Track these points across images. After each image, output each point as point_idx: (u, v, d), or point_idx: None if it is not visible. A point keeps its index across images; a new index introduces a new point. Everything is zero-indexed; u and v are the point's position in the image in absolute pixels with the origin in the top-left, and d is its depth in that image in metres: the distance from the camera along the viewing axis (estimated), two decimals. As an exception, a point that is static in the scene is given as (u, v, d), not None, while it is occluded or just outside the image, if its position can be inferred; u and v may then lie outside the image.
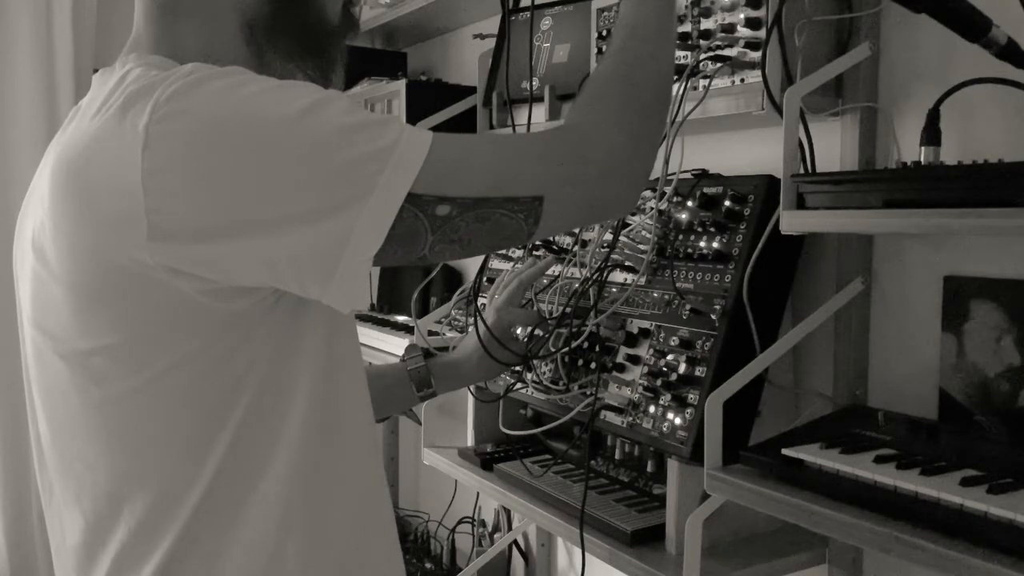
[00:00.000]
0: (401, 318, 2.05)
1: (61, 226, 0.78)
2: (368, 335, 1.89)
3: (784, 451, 1.03)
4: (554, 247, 1.48)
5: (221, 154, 0.72)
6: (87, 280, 0.78)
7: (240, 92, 0.74)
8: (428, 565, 2.22)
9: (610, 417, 1.29)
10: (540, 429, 1.44)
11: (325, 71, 0.92)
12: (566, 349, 1.34)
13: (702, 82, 1.22)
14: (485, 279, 1.56)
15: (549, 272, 1.45)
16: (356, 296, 0.77)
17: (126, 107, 0.74)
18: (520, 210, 0.81)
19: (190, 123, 0.72)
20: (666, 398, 1.22)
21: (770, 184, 1.21)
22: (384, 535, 0.95)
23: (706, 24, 1.22)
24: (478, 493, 2.09)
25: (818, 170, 1.19)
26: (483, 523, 2.15)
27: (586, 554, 1.27)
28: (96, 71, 0.88)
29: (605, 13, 1.42)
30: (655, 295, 1.31)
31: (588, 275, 1.34)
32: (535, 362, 1.39)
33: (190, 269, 0.74)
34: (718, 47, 1.20)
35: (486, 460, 1.56)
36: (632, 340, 1.31)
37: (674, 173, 1.27)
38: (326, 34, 0.92)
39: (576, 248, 1.41)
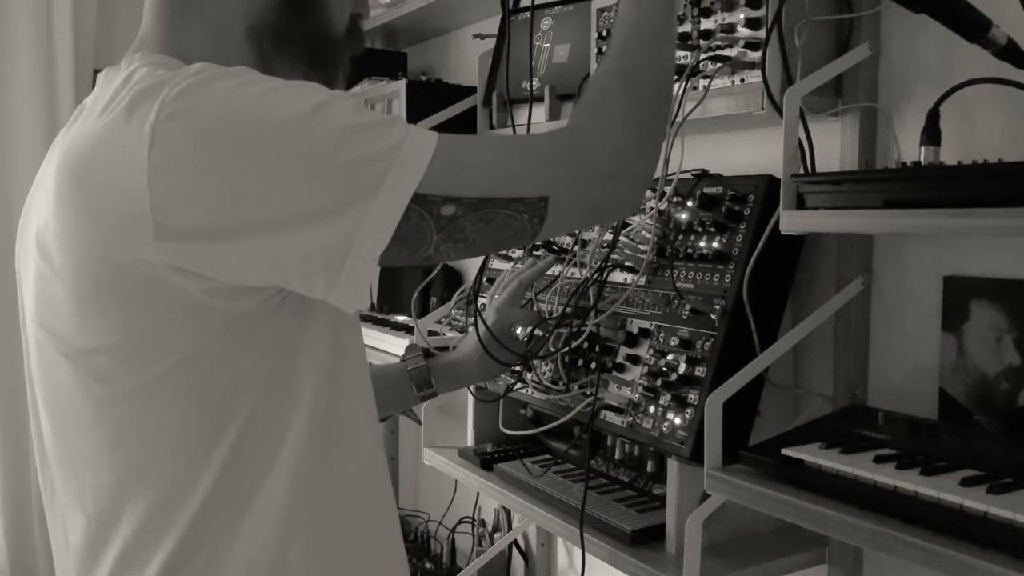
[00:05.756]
0: (401, 318, 2.05)
1: (66, 224, 0.78)
2: (368, 335, 1.89)
3: (784, 451, 1.03)
4: (554, 247, 1.48)
5: (227, 153, 0.72)
6: (91, 278, 0.77)
7: (247, 91, 0.74)
8: (428, 565, 2.22)
9: (610, 417, 1.29)
10: (540, 429, 1.45)
11: (328, 81, 0.92)
12: (566, 349, 1.34)
13: (702, 82, 1.22)
14: (485, 279, 1.56)
15: (549, 272, 1.45)
16: (361, 296, 0.77)
17: (133, 106, 0.74)
18: (525, 210, 0.81)
19: (197, 122, 0.72)
20: (666, 398, 1.22)
21: (770, 184, 1.21)
22: (388, 536, 0.95)
23: (706, 24, 1.22)
24: (478, 493, 2.09)
25: (818, 170, 1.19)
26: (483, 523, 2.15)
27: (586, 554, 1.27)
28: (97, 71, 0.88)
29: (605, 13, 1.42)
30: (655, 295, 1.31)
31: (588, 275, 1.35)
32: (535, 362, 1.39)
33: (195, 268, 0.75)
34: (718, 47, 1.20)
35: (486, 460, 1.56)
36: (632, 340, 1.31)
37: (674, 173, 1.27)
38: (332, 44, 0.92)
39: (576, 248, 1.41)
